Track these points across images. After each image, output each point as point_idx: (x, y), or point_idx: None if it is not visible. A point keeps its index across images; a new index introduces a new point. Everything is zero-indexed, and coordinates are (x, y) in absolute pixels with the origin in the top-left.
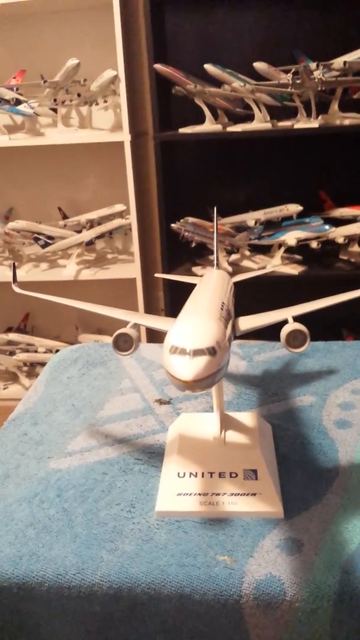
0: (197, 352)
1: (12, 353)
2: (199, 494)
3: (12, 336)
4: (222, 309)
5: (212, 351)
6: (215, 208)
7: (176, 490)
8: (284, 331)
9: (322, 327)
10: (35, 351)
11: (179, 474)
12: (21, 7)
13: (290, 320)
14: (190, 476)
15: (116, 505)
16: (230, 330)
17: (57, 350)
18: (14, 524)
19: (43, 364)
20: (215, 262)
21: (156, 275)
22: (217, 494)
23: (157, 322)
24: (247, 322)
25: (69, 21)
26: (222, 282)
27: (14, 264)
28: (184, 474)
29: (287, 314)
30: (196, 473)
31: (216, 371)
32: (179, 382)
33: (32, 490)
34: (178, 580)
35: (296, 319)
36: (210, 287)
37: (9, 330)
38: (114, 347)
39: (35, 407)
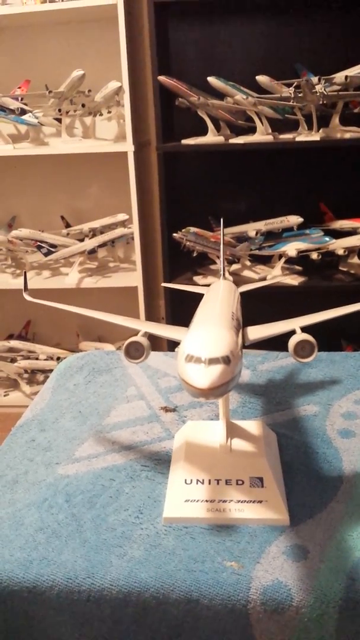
0: (212, 361)
1: (13, 360)
2: (206, 501)
3: (14, 343)
4: (232, 318)
5: (226, 360)
6: (222, 220)
7: (183, 496)
8: (292, 341)
9: (322, 338)
10: (37, 358)
11: (186, 480)
12: (27, 18)
13: (298, 330)
14: (197, 483)
15: (124, 511)
16: (241, 340)
17: (58, 358)
18: (23, 528)
19: (44, 371)
20: (221, 272)
21: (163, 284)
22: (224, 501)
23: (168, 331)
24: (256, 332)
25: (74, 32)
26: (230, 293)
27: (25, 272)
28: (191, 480)
29: (295, 325)
30: (203, 480)
31: (230, 379)
32: (194, 390)
33: (41, 496)
34: (186, 586)
35: (302, 329)
36: (219, 297)
37: (10, 337)
38: (126, 354)
39: (42, 413)
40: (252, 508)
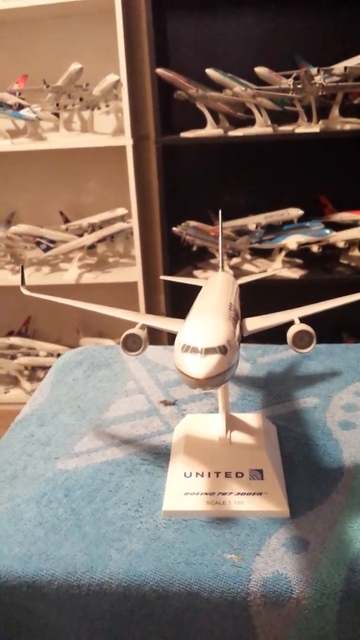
0: (208, 351)
1: (13, 357)
2: (206, 494)
3: (14, 340)
4: (230, 309)
5: (223, 350)
6: (220, 212)
7: (183, 489)
8: (291, 332)
9: (323, 330)
10: (37, 355)
11: (185, 473)
12: (23, 12)
13: (297, 321)
14: (196, 476)
15: (124, 505)
16: (238, 331)
17: (58, 354)
18: (22, 523)
19: (44, 368)
20: (220, 264)
21: (161, 277)
22: (224, 494)
23: (166, 323)
24: (254, 323)
25: (71, 26)
26: (228, 284)
27: (22, 266)
28: (191, 473)
29: (293, 315)
30: (202, 473)
31: (227, 369)
32: (190, 380)
33: (40, 491)
34: (186, 578)
35: (301, 320)
36: (217, 288)
37: (10, 334)
38: (123, 347)
39: (41, 408)
40: (252, 500)
